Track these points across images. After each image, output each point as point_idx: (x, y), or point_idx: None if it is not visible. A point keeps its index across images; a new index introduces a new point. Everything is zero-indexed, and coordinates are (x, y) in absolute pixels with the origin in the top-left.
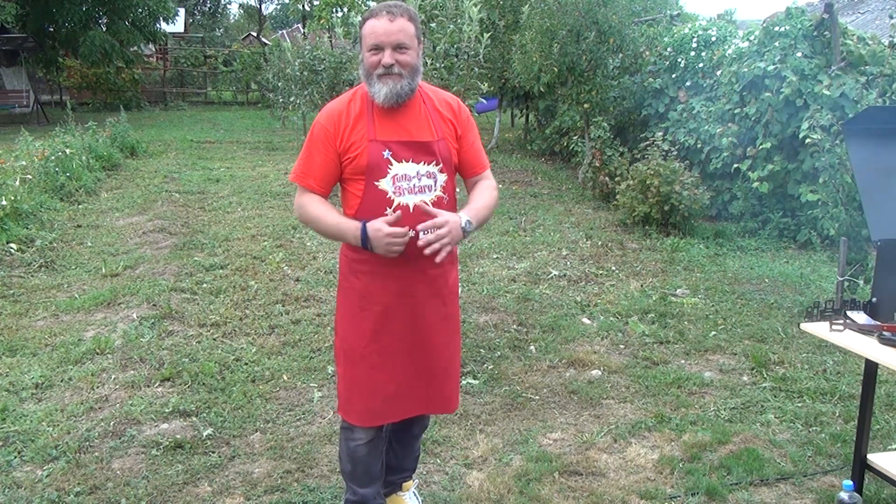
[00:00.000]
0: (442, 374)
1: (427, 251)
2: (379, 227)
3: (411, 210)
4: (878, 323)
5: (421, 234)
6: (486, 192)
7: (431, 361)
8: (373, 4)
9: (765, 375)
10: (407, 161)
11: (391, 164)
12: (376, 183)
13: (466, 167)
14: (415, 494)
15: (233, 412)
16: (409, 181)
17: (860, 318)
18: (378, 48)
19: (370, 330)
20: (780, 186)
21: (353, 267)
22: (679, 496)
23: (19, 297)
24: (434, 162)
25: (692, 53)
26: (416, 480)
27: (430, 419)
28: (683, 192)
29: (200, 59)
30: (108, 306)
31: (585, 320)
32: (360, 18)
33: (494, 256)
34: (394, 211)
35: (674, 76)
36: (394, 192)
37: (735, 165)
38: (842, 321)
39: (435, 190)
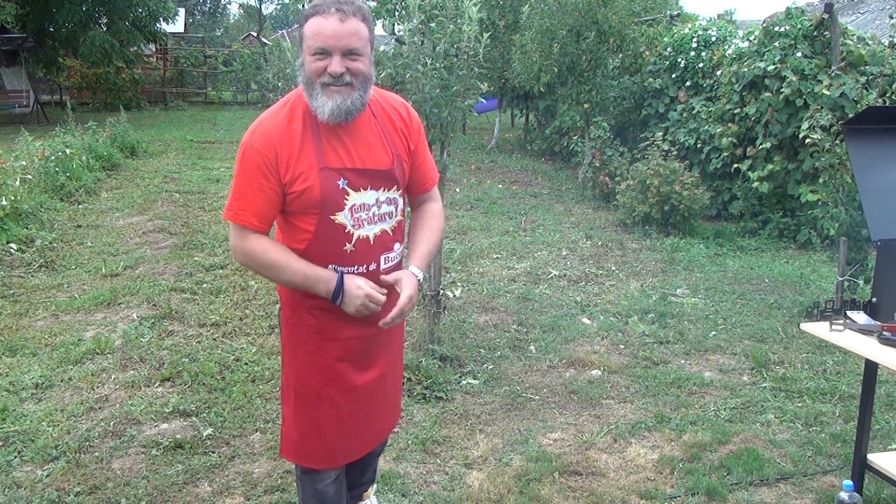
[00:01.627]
0: (394, 390)
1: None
2: (360, 285)
3: (371, 242)
4: (878, 323)
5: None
6: (432, 224)
7: (385, 386)
8: (373, 4)
9: (765, 375)
10: (365, 189)
11: (348, 195)
12: (332, 217)
13: (416, 183)
14: (374, 498)
15: (233, 412)
16: (369, 210)
17: (860, 318)
18: (324, 52)
19: (328, 367)
20: (780, 186)
21: (304, 303)
22: (679, 496)
23: (19, 297)
24: (394, 187)
25: (692, 53)
26: (375, 486)
27: (431, 420)
28: (683, 192)
29: (200, 59)
30: (108, 306)
31: (585, 320)
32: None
33: (494, 256)
34: (354, 246)
35: (674, 76)
36: (353, 226)
37: (735, 165)
38: (842, 321)
39: (395, 216)
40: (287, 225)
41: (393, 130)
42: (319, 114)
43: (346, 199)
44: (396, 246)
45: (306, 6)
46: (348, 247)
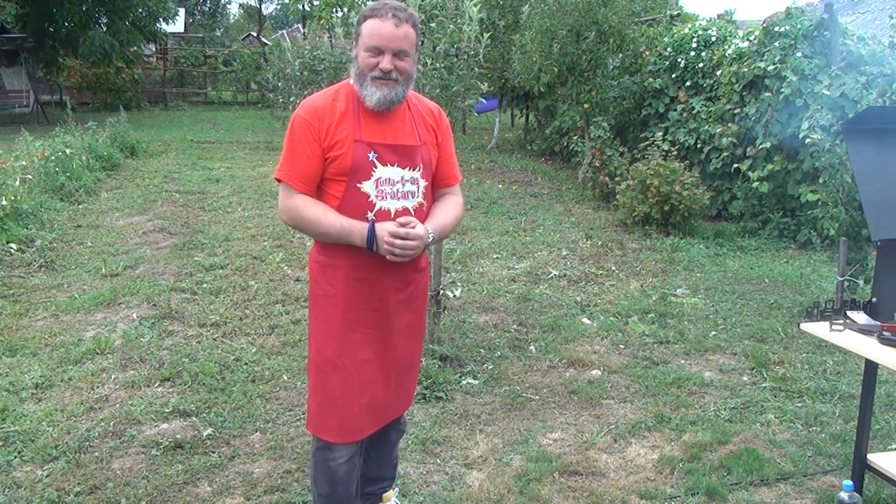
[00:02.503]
0: (406, 376)
1: (389, 257)
2: (387, 227)
3: (392, 216)
4: (878, 323)
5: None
6: (453, 207)
7: (400, 365)
8: (371, 4)
9: (765, 375)
10: (392, 165)
11: (375, 167)
12: (359, 185)
13: (440, 177)
14: (397, 501)
15: (233, 412)
16: (393, 185)
17: (860, 318)
18: (378, 51)
19: (343, 337)
20: (780, 186)
21: (326, 273)
22: (679, 496)
23: (19, 297)
24: (418, 168)
25: (692, 53)
26: (397, 489)
27: (431, 420)
28: (683, 192)
29: (200, 59)
30: (108, 306)
31: (585, 320)
32: (359, 11)
33: (494, 256)
34: (374, 215)
35: (674, 76)
36: (376, 196)
37: (735, 165)
38: (842, 321)
39: (417, 196)
40: (319, 192)
41: (423, 123)
42: (368, 101)
43: (374, 171)
44: None
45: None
46: (370, 215)
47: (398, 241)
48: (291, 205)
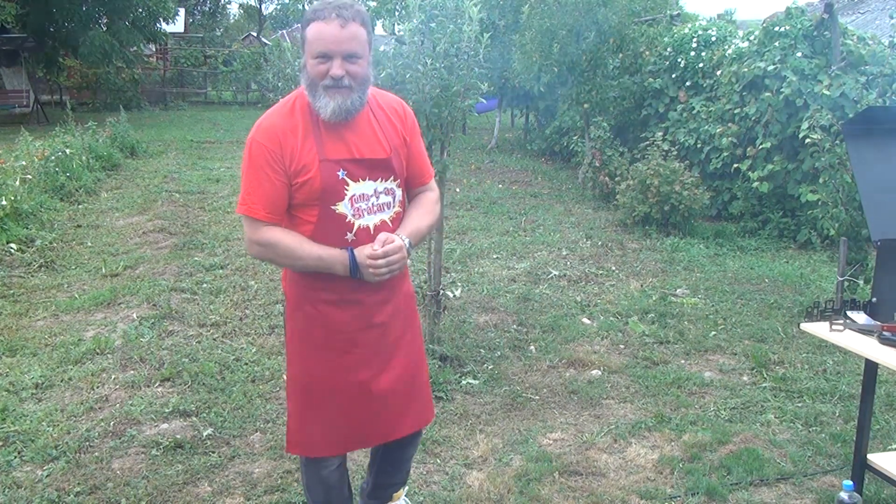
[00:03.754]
0: (412, 389)
1: (376, 279)
2: (368, 252)
3: (372, 232)
4: (878, 323)
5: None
6: (429, 207)
7: (400, 380)
8: (373, 4)
9: (765, 375)
10: (364, 179)
11: (347, 185)
12: (333, 207)
13: (412, 176)
14: (406, 500)
15: (233, 412)
16: (367, 200)
17: (860, 318)
18: (326, 56)
19: (334, 359)
20: (780, 186)
21: (310, 296)
22: (679, 496)
23: (19, 297)
24: (392, 177)
25: (692, 53)
26: (406, 488)
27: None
28: (683, 192)
29: (200, 59)
30: (108, 306)
31: (585, 320)
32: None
33: (494, 256)
34: (354, 235)
35: (674, 76)
36: (353, 215)
37: (735, 165)
38: (842, 321)
39: (394, 206)
40: (290, 218)
41: (389, 124)
42: (322, 113)
43: (346, 189)
44: None
45: (307, 7)
46: (349, 236)
47: (380, 262)
48: (262, 239)
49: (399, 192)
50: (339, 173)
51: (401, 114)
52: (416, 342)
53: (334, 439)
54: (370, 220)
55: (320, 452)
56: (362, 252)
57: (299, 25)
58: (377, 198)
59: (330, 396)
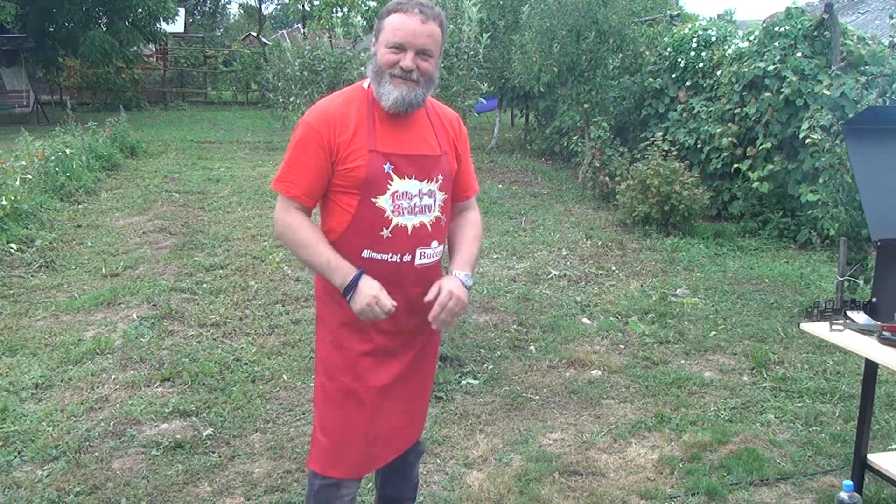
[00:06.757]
0: (420, 401)
1: (360, 317)
2: (373, 286)
3: (409, 232)
4: (878, 323)
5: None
6: (474, 231)
7: (414, 391)
8: (372, 4)
9: (765, 375)
10: (409, 178)
11: (392, 180)
12: (373, 199)
13: (458, 189)
14: None
15: (233, 412)
16: (410, 200)
17: (860, 318)
18: (400, 47)
19: (354, 361)
20: (780, 186)
21: (336, 294)
22: (679, 496)
23: (19, 297)
24: (436, 180)
25: (692, 53)
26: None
27: (431, 420)
28: (683, 192)
29: (200, 59)
30: (108, 306)
31: (585, 320)
32: (358, 11)
33: (494, 256)
34: (391, 232)
35: (674, 76)
36: (393, 212)
37: (735, 165)
38: (842, 321)
39: (434, 210)
40: (329, 204)
41: (443, 129)
42: (384, 101)
43: (390, 184)
44: (434, 243)
45: (306, 6)
46: (385, 232)
47: (377, 309)
48: (288, 221)
49: (441, 197)
50: (385, 167)
51: (455, 125)
52: (430, 355)
53: (358, 460)
54: (409, 221)
55: (344, 474)
56: (370, 284)
57: (299, 25)
58: (420, 199)
59: (349, 403)
